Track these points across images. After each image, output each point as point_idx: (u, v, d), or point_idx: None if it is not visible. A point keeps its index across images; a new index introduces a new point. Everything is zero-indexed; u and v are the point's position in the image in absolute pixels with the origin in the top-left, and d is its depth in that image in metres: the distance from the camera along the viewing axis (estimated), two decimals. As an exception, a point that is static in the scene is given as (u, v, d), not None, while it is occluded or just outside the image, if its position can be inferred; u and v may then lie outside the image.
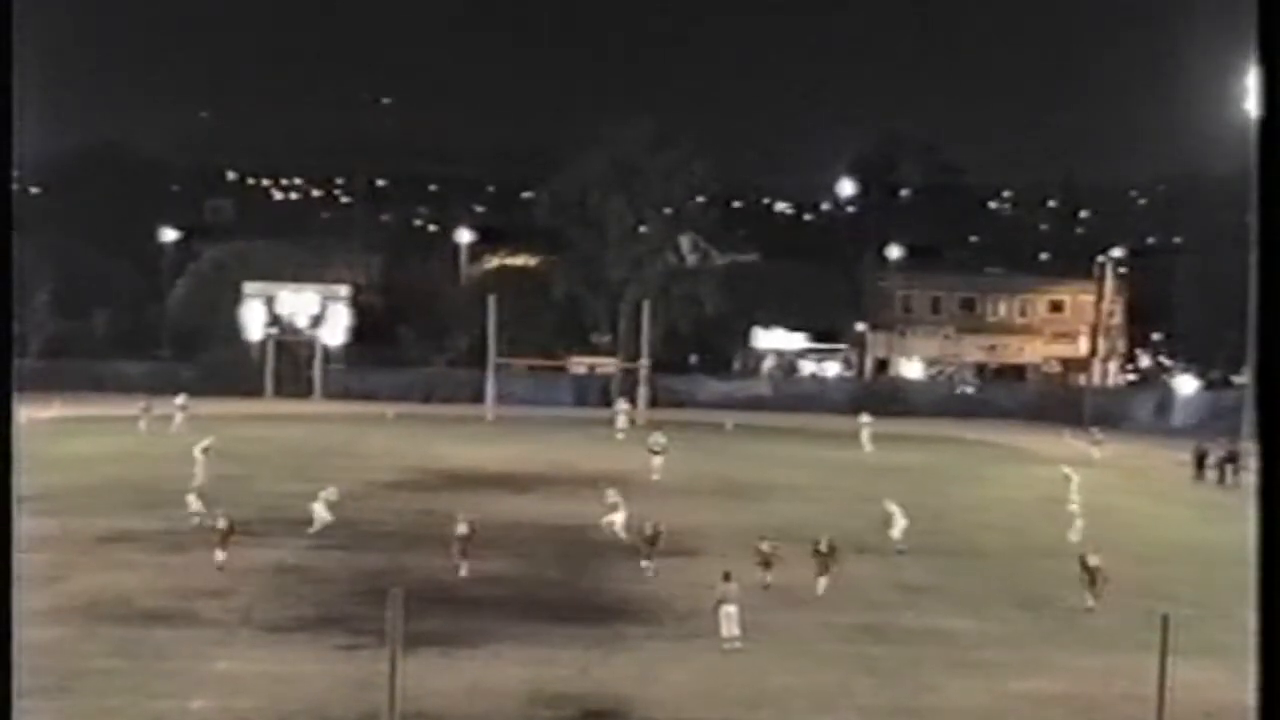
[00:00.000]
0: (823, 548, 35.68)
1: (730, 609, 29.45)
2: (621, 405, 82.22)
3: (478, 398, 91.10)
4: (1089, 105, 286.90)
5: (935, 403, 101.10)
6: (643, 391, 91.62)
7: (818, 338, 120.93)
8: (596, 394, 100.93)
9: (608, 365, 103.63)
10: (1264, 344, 3.60)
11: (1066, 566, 36.03)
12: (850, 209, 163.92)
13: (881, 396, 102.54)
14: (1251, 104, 67.03)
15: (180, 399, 72.53)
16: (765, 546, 35.78)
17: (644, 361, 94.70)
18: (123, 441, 65.49)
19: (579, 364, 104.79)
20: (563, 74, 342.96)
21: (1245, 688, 4.59)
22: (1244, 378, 78.99)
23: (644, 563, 37.83)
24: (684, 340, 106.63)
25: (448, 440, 70.76)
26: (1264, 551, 3.69)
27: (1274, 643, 3.61)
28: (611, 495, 44.47)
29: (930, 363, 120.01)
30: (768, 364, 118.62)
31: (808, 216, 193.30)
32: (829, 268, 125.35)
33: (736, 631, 29.31)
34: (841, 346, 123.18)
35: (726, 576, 30.54)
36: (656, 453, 59.88)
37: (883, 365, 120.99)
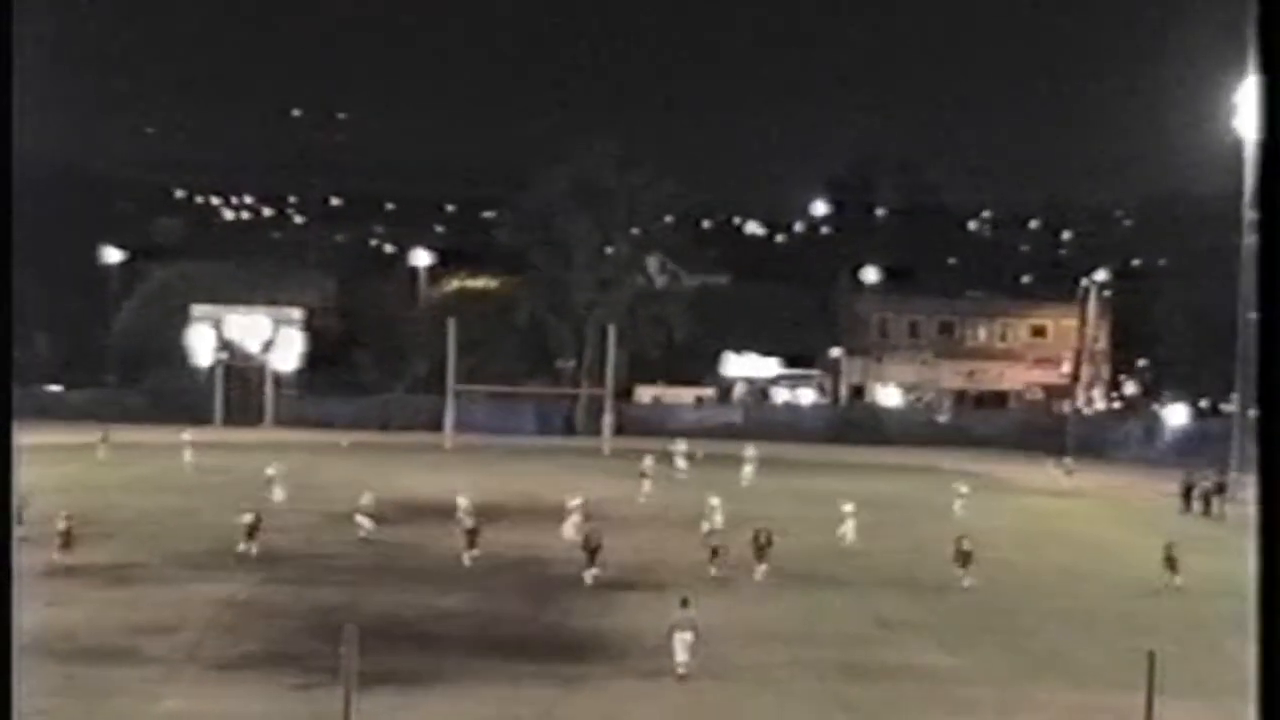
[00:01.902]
0: (761, 540, 41.94)
1: (686, 636, 29.64)
2: (680, 445, 75.28)
3: (436, 425, 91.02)
4: (1072, 123, 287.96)
5: (913, 430, 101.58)
6: (608, 419, 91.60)
7: (791, 363, 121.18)
8: (560, 421, 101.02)
9: (682, 394, 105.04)
10: (1264, 356, 3.66)
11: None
12: (824, 230, 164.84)
13: (857, 424, 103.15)
14: (1240, 122, 67.54)
15: (187, 434, 73.02)
16: (714, 542, 42.56)
17: (708, 392, 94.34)
18: (95, 470, 65.55)
19: (647, 394, 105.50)
20: (527, 89, 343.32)
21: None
22: (1233, 405, 79.22)
23: (586, 573, 40.03)
24: (652, 365, 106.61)
25: (405, 469, 70.66)
26: (1264, 569, 3.74)
27: (1274, 661, 3.66)
28: (572, 502, 48.01)
29: (908, 389, 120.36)
30: (739, 390, 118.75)
31: (780, 237, 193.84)
32: (802, 290, 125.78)
33: (686, 658, 29.51)
34: (815, 372, 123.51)
35: (684, 603, 30.76)
36: (645, 475, 61.66)
37: (858, 391, 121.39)
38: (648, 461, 64.68)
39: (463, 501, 47.57)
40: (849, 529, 48.71)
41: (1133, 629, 34.47)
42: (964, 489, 58.91)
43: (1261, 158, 3.68)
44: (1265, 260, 3.59)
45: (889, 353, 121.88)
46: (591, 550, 41.15)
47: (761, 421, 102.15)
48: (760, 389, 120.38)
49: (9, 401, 4.30)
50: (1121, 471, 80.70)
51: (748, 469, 70.45)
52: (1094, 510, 64.67)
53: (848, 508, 49.29)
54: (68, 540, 40.39)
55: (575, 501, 48.52)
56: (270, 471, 57.31)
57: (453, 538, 45.68)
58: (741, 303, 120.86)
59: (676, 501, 59.04)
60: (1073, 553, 49.65)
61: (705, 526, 46.35)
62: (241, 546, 43.18)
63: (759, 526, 43.07)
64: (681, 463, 73.38)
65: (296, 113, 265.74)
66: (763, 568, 41.33)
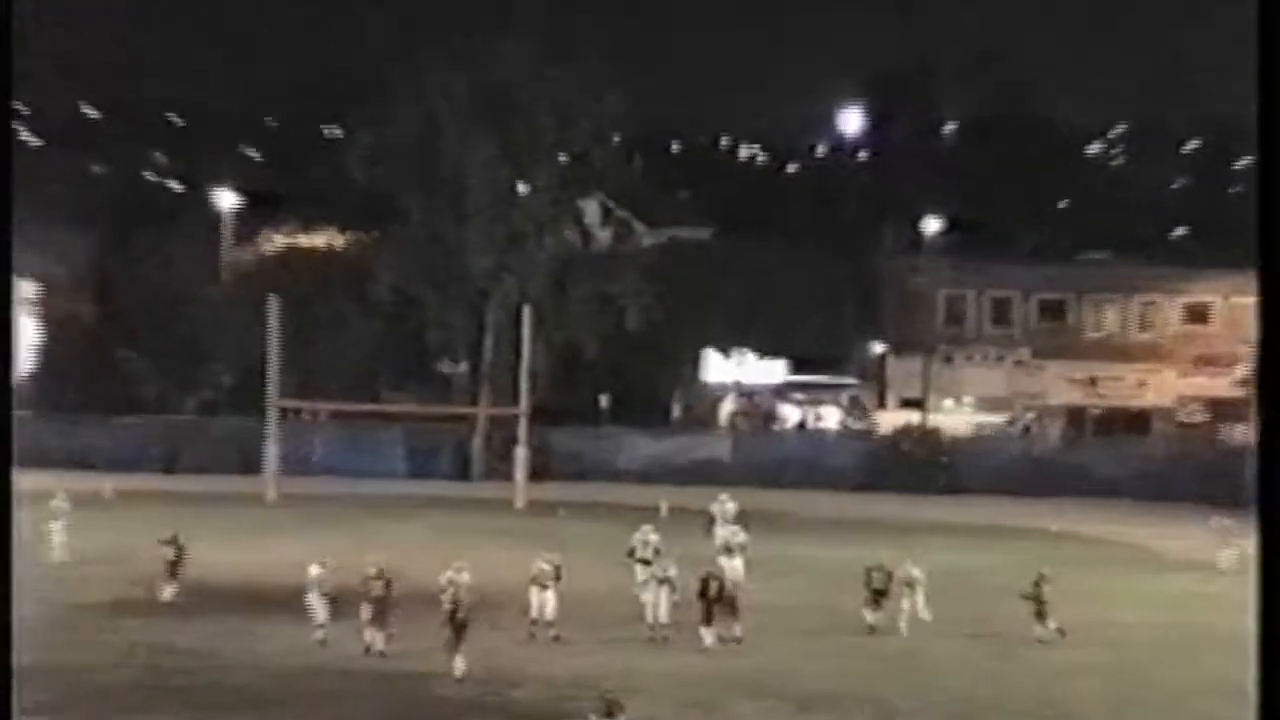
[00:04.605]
0: (711, 593, 47.70)
1: None
2: (729, 505, 66.56)
3: (252, 465, 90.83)
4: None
5: (1000, 472, 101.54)
6: (521, 454, 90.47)
7: (807, 366, 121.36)
8: (448, 457, 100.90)
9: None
10: (1265, 354, 4.08)
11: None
12: (860, 156, 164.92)
13: (911, 462, 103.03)
14: None
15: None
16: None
17: (992, 419, 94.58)
18: None
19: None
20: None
21: None
22: None
23: (456, 662, 42.39)
24: (590, 370, 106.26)
25: (203, 534, 70.66)
26: (1264, 569, 4.18)
27: (1275, 660, 4.11)
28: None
29: (993, 406, 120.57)
30: (728, 409, 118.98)
31: (792, 168, 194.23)
32: (826, 252, 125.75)
33: None
34: (847, 381, 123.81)
35: (610, 712, 31.51)
36: (651, 565, 54.93)
37: (915, 409, 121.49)
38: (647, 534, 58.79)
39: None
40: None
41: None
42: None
43: (1261, 155, 4.09)
44: (1265, 259, 4.00)
45: (963, 349, 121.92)
46: (458, 629, 42.82)
47: (761, 459, 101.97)
48: (761, 407, 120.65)
49: (9, 407, 4.80)
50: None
51: (721, 532, 65.58)
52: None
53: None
54: None
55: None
56: None
57: (277, 640, 45.96)
58: (732, 271, 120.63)
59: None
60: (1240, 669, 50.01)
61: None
62: None
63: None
64: (723, 530, 62.80)
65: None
66: None
